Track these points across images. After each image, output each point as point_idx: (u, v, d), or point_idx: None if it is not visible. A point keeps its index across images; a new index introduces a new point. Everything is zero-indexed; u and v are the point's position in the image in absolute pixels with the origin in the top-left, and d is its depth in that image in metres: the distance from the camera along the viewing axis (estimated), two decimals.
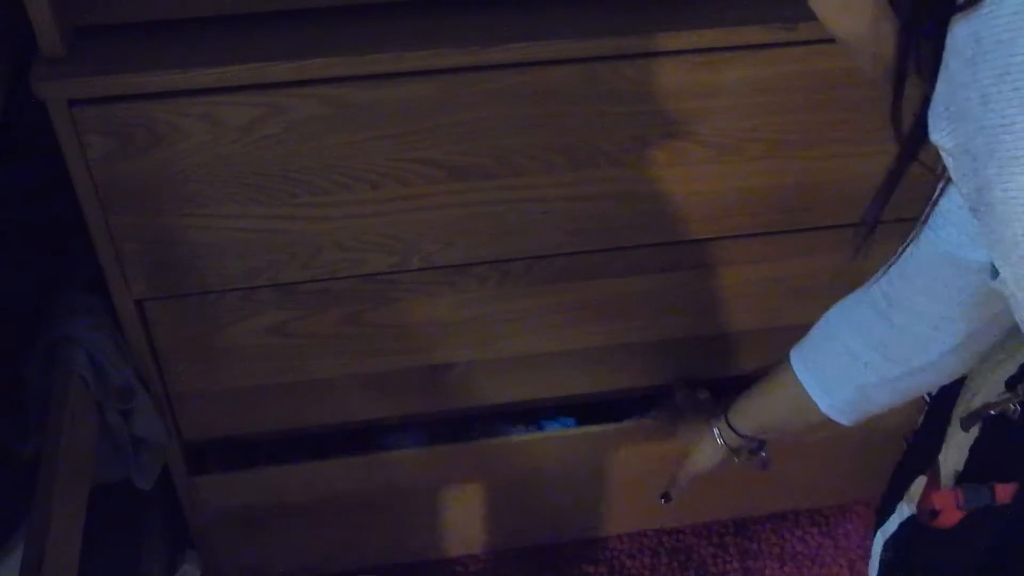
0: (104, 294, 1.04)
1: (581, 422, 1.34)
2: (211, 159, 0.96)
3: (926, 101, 0.55)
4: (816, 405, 0.94)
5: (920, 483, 0.95)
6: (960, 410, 0.90)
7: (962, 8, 0.49)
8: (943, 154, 0.54)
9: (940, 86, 0.52)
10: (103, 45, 0.92)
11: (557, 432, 1.32)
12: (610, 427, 1.31)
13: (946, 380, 0.90)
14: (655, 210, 1.09)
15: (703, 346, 1.25)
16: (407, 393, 1.21)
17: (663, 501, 1.16)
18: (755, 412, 1.05)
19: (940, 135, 0.53)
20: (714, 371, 1.29)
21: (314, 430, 1.25)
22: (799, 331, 1.26)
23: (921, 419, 1.20)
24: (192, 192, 0.97)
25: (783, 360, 0.98)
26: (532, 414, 1.34)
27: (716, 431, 1.09)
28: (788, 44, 0.98)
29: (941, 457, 0.93)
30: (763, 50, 0.99)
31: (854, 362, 0.90)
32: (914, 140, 0.57)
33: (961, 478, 0.90)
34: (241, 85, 0.92)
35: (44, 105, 0.90)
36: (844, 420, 0.95)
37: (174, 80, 0.91)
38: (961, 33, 0.50)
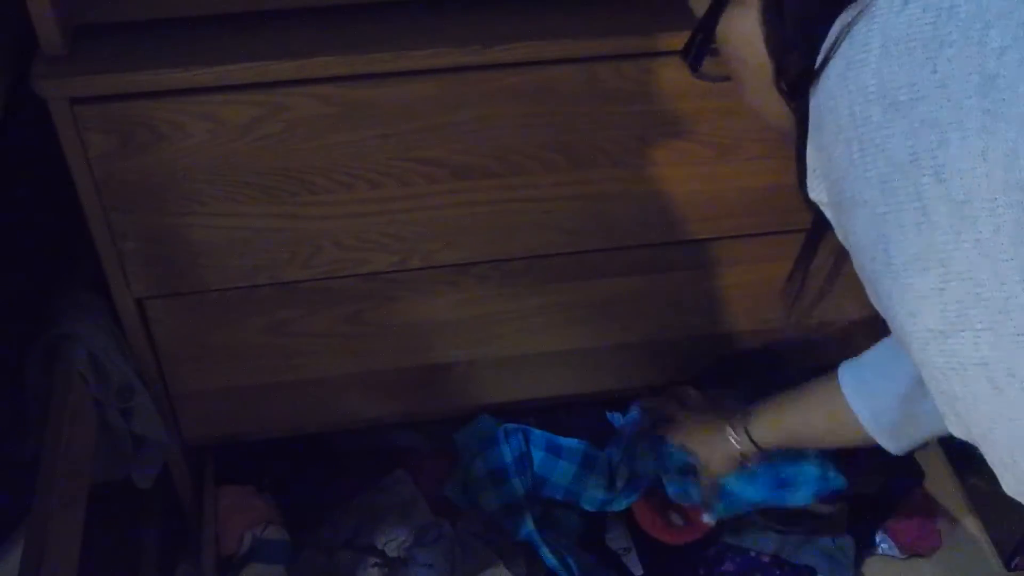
0: (105, 292, 1.04)
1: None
2: (212, 158, 0.96)
3: None
4: (863, 428, 0.93)
5: None
6: None
7: (810, 83, 0.57)
8: (823, 209, 0.60)
9: (808, 150, 0.59)
10: (104, 43, 0.92)
11: None
12: None
13: None
14: (655, 210, 1.09)
15: (703, 346, 1.25)
16: (407, 392, 1.21)
17: None
18: (784, 426, 1.04)
19: (814, 193, 0.60)
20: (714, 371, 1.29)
21: (314, 429, 1.26)
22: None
23: None
24: (193, 191, 0.97)
25: (828, 374, 0.97)
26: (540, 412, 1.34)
27: (732, 439, 1.08)
28: None
29: None
30: None
31: (908, 379, 0.89)
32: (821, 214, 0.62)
33: None
34: (242, 84, 0.92)
35: (45, 103, 0.90)
36: (892, 447, 0.93)
37: (175, 79, 0.91)
38: (811, 104, 0.58)
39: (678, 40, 0.97)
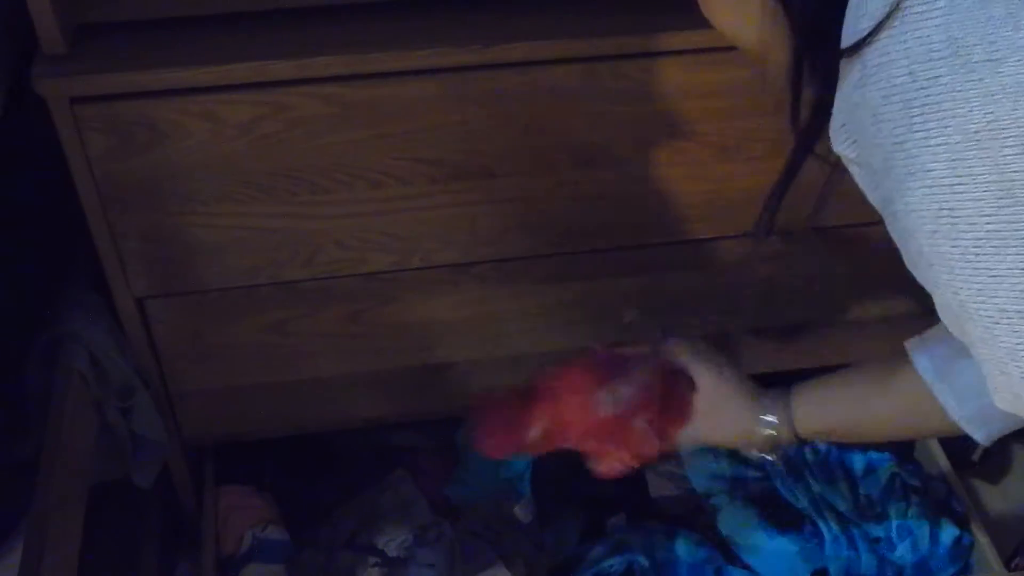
0: (105, 292, 1.04)
1: None
2: (212, 157, 0.96)
3: (820, 101, 0.57)
4: (945, 414, 0.79)
5: None
6: None
7: (849, 52, 0.51)
8: (847, 163, 0.55)
9: (837, 103, 0.54)
10: (104, 43, 0.92)
11: None
12: None
13: None
14: (656, 210, 1.09)
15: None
16: (407, 392, 1.21)
17: None
18: (838, 412, 0.86)
19: (842, 147, 0.55)
20: None
21: (314, 429, 1.26)
22: (800, 331, 1.26)
23: None
24: (193, 190, 0.97)
25: (892, 356, 0.82)
26: None
27: (766, 420, 0.87)
28: None
29: None
30: None
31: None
32: (808, 136, 0.58)
33: None
34: (242, 83, 0.92)
35: (45, 103, 0.90)
36: (980, 435, 0.79)
37: (175, 78, 0.91)
38: (847, 55, 0.52)
39: (678, 40, 0.97)
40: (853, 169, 0.55)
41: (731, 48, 0.97)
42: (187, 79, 0.91)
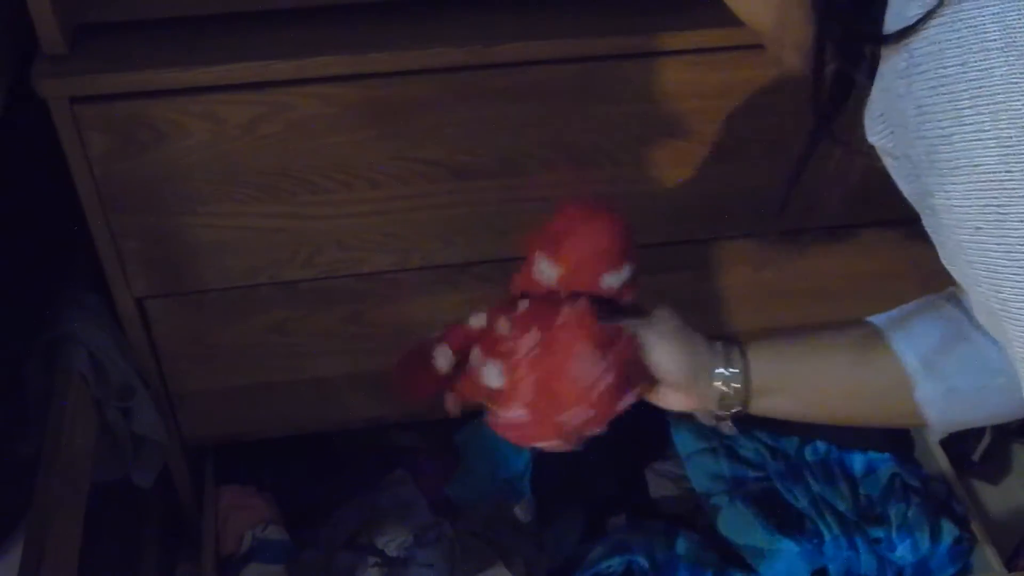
0: (105, 292, 1.04)
1: None
2: (212, 157, 0.96)
3: (838, 76, 0.56)
4: (907, 378, 0.71)
5: None
6: None
7: (894, 39, 0.49)
8: (881, 154, 0.54)
9: (876, 93, 0.53)
10: (105, 43, 0.92)
11: None
12: None
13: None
14: (655, 210, 1.09)
15: None
16: None
17: None
18: (790, 367, 0.78)
19: (877, 138, 0.53)
20: None
21: (314, 429, 1.26)
22: None
23: None
24: (193, 190, 0.98)
25: (854, 323, 0.76)
26: None
27: (720, 358, 0.77)
28: None
29: None
30: (763, 50, 0.99)
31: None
32: (828, 116, 0.58)
33: None
34: (242, 84, 0.92)
35: (45, 103, 0.90)
36: (935, 417, 0.72)
37: (176, 78, 0.91)
38: (888, 45, 0.50)
39: (678, 40, 0.97)
40: (887, 160, 0.54)
41: (731, 48, 0.98)
42: (187, 79, 0.91)
